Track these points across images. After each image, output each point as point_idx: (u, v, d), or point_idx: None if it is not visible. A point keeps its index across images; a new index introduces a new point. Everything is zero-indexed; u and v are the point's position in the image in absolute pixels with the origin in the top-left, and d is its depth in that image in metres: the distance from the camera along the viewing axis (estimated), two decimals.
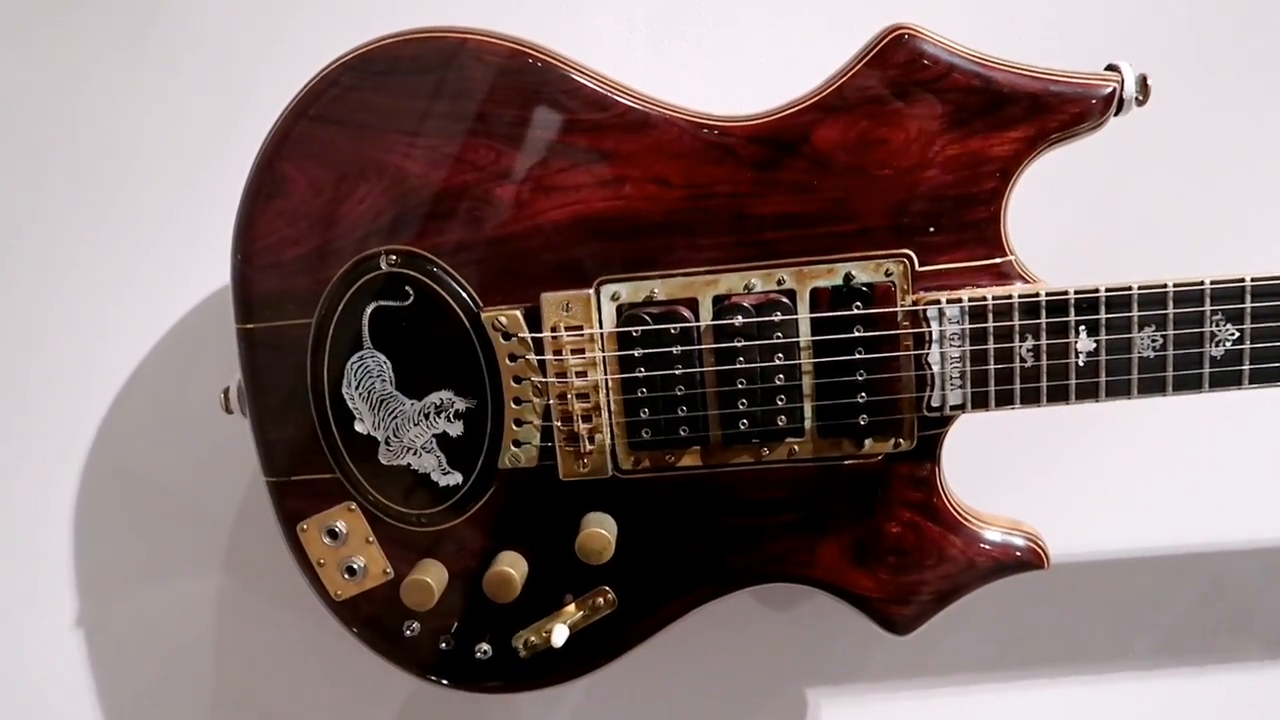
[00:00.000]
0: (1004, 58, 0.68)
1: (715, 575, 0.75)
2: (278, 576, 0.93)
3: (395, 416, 0.74)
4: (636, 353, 0.70)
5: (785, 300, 0.69)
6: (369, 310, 0.72)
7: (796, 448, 0.72)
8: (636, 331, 0.70)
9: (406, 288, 0.72)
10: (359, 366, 0.73)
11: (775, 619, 0.92)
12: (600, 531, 0.72)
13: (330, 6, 0.86)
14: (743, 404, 0.70)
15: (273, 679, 0.96)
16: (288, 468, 0.76)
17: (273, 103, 0.72)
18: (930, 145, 0.68)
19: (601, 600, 0.75)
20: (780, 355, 0.70)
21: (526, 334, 0.71)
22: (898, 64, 0.67)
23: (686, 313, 0.70)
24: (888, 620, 0.75)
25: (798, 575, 0.74)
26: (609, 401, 0.71)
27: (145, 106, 0.89)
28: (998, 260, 0.69)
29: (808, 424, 0.71)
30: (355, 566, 0.76)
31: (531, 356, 0.71)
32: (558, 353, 0.71)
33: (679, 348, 0.70)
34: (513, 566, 0.74)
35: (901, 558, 0.73)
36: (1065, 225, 0.85)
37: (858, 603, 0.75)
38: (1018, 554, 0.73)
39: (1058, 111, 0.67)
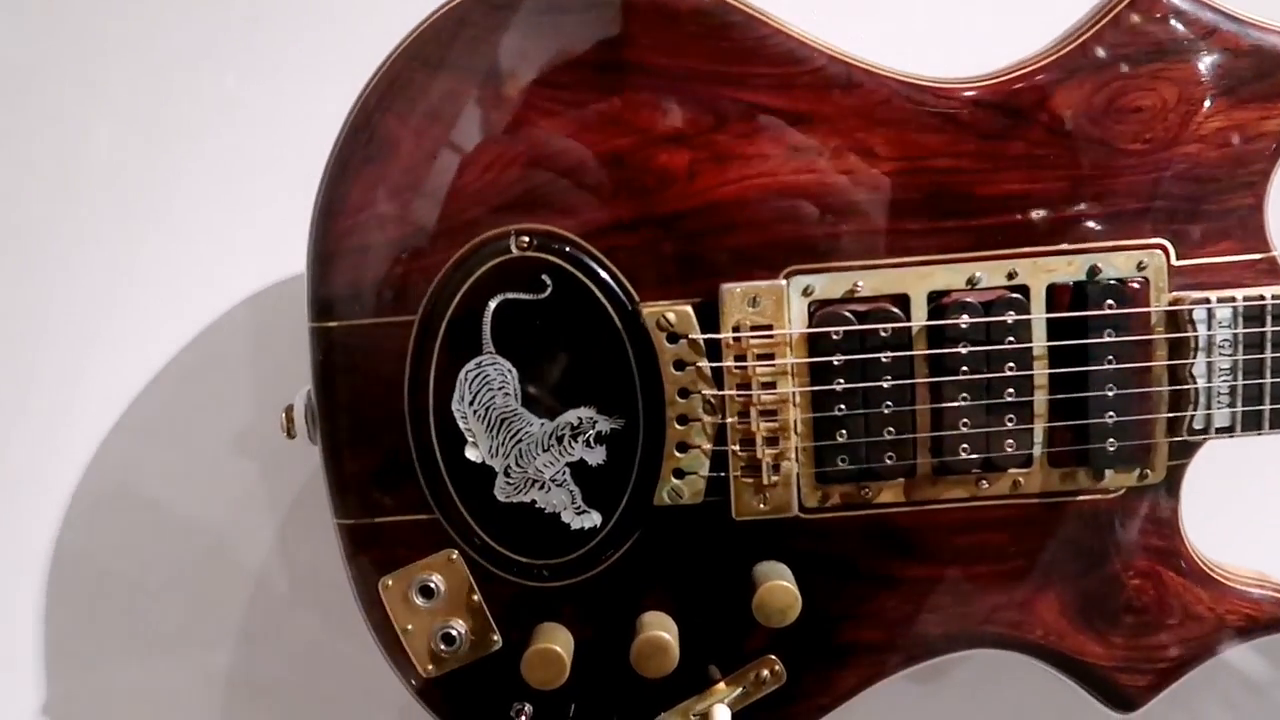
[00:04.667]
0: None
1: (907, 641, 0.61)
2: (312, 646, 0.76)
3: (519, 440, 0.58)
4: (836, 360, 0.57)
5: (1019, 298, 0.57)
6: (493, 305, 0.57)
7: (1022, 480, 0.59)
8: (837, 333, 0.56)
9: (543, 277, 0.57)
10: (475, 376, 0.58)
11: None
12: (786, 585, 0.57)
13: None
14: (964, 425, 0.57)
15: None
16: (369, 507, 0.59)
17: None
18: (1191, 116, 0.57)
19: (768, 672, 0.61)
20: (1012, 365, 0.57)
21: (699, 335, 0.57)
22: (1154, 18, 0.57)
23: (897, 312, 0.57)
24: (1118, 693, 0.61)
25: (1008, 639, 0.61)
26: (796, 421, 0.57)
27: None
28: (1261, 255, 0.58)
29: (1037, 450, 0.58)
30: (454, 633, 0.60)
31: (704, 364, 0.57)
32: (739, 358, 0.57)
33: (889, 354, 0.57)
34: (666, 630, 0.58)
35: (1139, 616, 0.60)
36: None
37: (1079, 672, 0.61)
38: (1272, 612, 0.61)
39: None
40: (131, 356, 0.75)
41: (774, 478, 0.57)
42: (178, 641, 0.77)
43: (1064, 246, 0.57)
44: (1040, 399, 0.57)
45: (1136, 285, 0.57)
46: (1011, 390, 0.57)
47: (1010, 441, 0.57)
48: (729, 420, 0.57)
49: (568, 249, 0.57)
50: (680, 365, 0.57)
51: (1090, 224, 0.57)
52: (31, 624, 0.76)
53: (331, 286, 0.58)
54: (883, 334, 0.56)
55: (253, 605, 0.77)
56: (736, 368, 0.57)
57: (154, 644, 0.77)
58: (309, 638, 0.76)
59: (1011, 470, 0.58)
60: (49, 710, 0.77)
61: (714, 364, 0.57)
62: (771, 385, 0.57)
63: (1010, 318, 0.56)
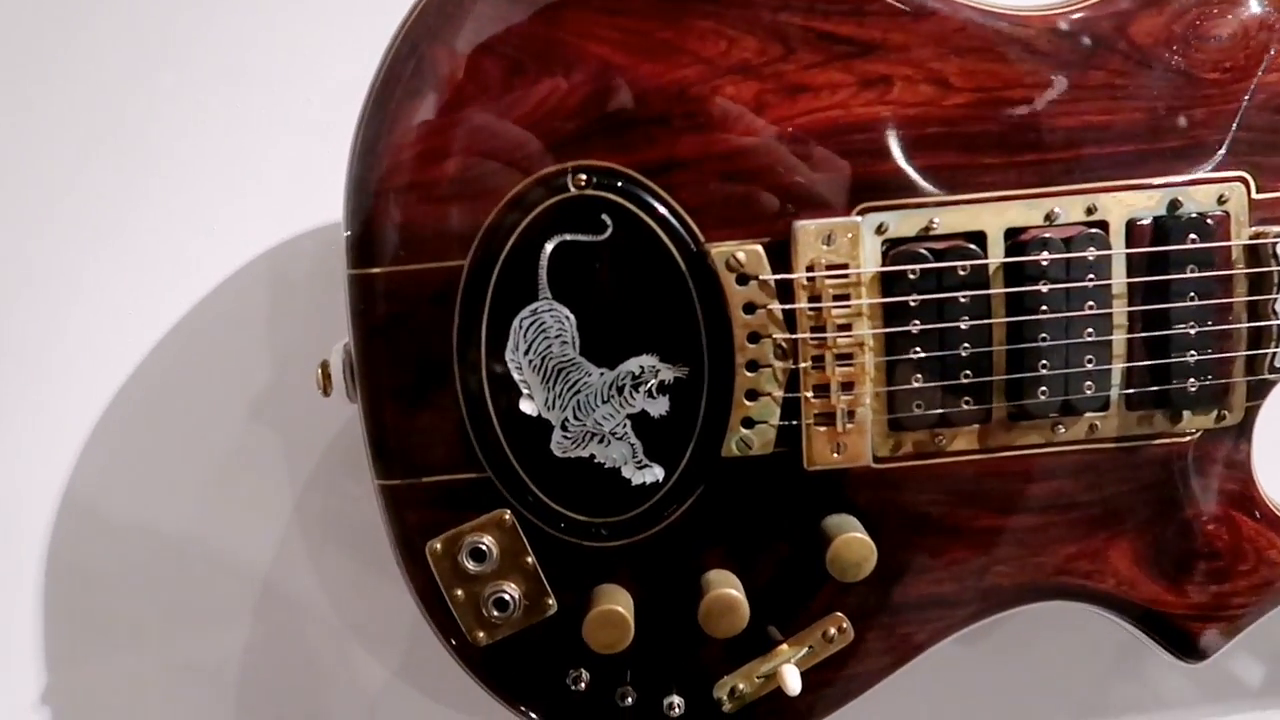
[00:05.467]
0: None
1: (977, 594, 0.59)
2: (329, 623, 0.72)
3: (577, 391, 0.55)
4: (912, 300, 0.54)
5: (1099, 233, 0.55)
6: (549, 247, 0.54)
7: (1098, 424, 0.57)
8: (914, 272, 0.54)
9: (603, 216, 0.54)
10: (531, 324, 0.54)
11: None
12: (862, 538, 0.55)
13: None
14: (1044, 366, 0.55)
15: None
16: (414, 466, 0.56)
17: None
18: (1270, 44, 0.55)
19: (834, 630, 0.58)
20: (1091, 304, 0.55)
21: (771, 276, 0.54)
22: None
23: (975, 249, 0.54)
24: (1189, 642, 0.60)
25: (1079, 590, 0.59)
26: (871, 365, 0.55)
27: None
28: None
29: (1114, 393, 0.56)
30: (508, 598, 0.56)
31: (776, 306, 0.54)
32: (814, 299, 0.54)
33: (967, 294, 0.54)
34: (734, 588, 0.56)
35: (1212, 562, 0.59)
36: None
37: (1150, 622, 0.60)
38: None
39: None
40: (132, 322, 0.70)
41: (849, 425, 0.55)
42: (177, 630, 0.73)
43: (1143, 180, 0.55)
44: (1119, 339, 0.55)
45: (1218, 219, 0.55)
46: (1090, 330, 0.55)
47: (1089, 383, 0.55)
48: (802, 365, 0.54)
49: (629, 186, 0.53)
50: (750, 308, 0.54)
51: (1170, 156, 0.55)
52: (30, 617, 0.71)
53: (373, 230, 0.54)
54: (960, 272, 0.54)
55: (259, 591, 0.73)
56: (811, 310, 0.54)
57: (153, 634, 0.72)
58: (312, 626, 0.73)
59: (1088, 414, 0.56)
60: (47, 700, 0.72)
61: (788, 306, 0.54)
62: (847, 328, 0.54)
63: (1091, 254, 0.54)
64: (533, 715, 0.59)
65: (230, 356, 0.69)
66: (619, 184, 0.53)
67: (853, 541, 0.54)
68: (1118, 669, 0.75)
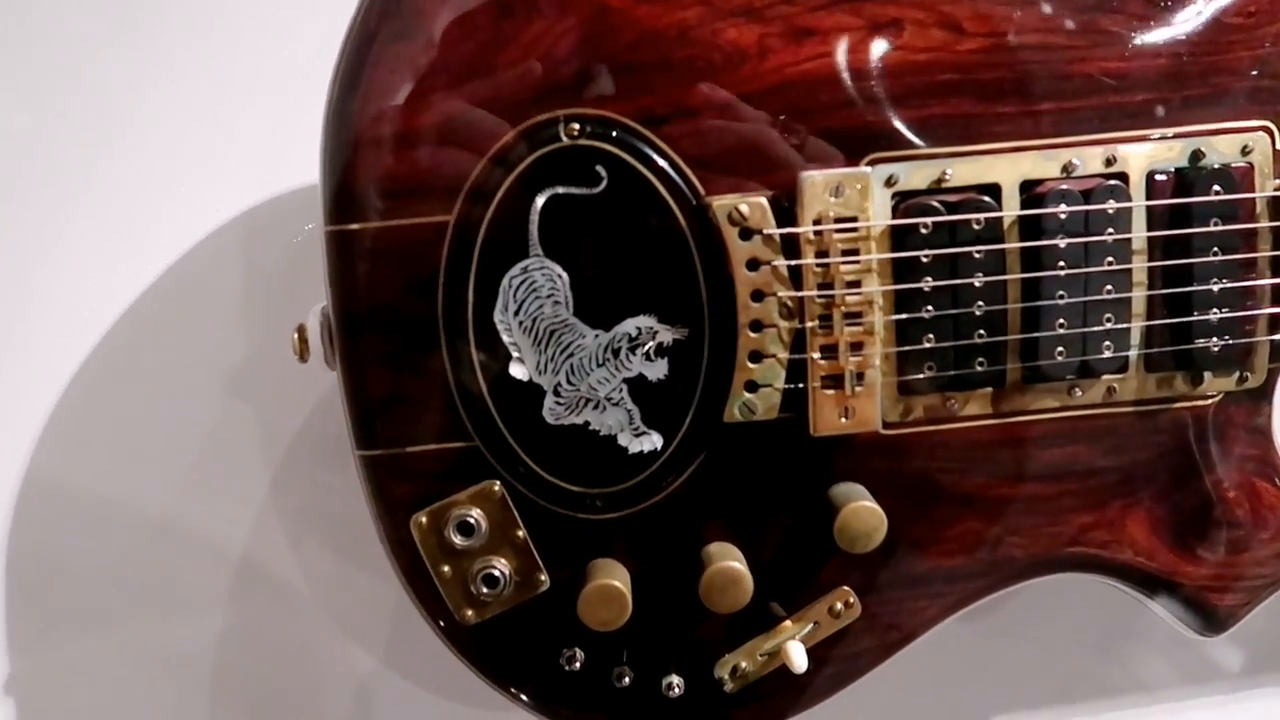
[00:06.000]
0: None
1: (989, 566, 0.56)
2: (313, 608, 0.69)
3: (570, 354, 0.52)
4: (924, 256, 0.51)
5: (1119, 184, 0.52)
6: (540, 201, 0.51)
7: (1116, 386, 0.54)
8: (926, 226, 0.51)
9: (597, 168, 0.51)
10: (521, 283, 0.51)
11: None
12: (872, 506, 0.52)
13: None
14: (1061, 325, 0.52)
15: None
16: (397, 435, 0.53)
17: None
18: None
19: (841, 605, 0.55)
20: (1111, 259, 0.52)
21: (776, 230, 0.51)
22: None
23: (990, 201, 0.52)
24: (1208, 614, 0.58)
25: (1095, 560, 0.57)
26: (881, 324, 0.52)
27: None
28: None
29: (1133, 353, 0.54)
30: (497, 574, 0.53)
31: (781, 262, 0.51)
32: (821, 254, 0.51)
33: (982, 249, 0.51)
34: (737, 561, 0.53)
35: (1232, 531, 0.56)
36: None
37: (1167, 594, 0.57)
38: None
39: None
40: (96, 291, 0.66)
41: (857, 388, 0.52)
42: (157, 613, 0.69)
43: (1165, 130, 0.53)
44: (1139, 296, 0.53)
45: (1242, 171, 0.52)
46: (1109, 287, 0.52)
47: (1108, 343, 0.53)
48: (809, 325, 0.51)
49: (625, 136, 0.50)
50: (754, 265, 0.51)
51: (1192, 105, 0.53)
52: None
53: (353, 183, 0.50)
54: (975, 226, 0.51)
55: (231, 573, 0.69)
56: (818, 265, 0.51)
57: (122, 621, 0.69)
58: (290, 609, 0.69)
59: (1106, 376, 0.54)
60: (9, 690, 0.69)
61: (793, 262, 0.51)
62: (855, 285, 0.51)
63: (1111, 207, 0.52)
64: (523, 697, 0.56)
65: (201, 326, 0.66)
66: (614, 134, 0.50)
67: (862, 510, 0.52)
68: (1101, 654, 0.73)
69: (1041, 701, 0.73)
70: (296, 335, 0.54)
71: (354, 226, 0.51)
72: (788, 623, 0.55)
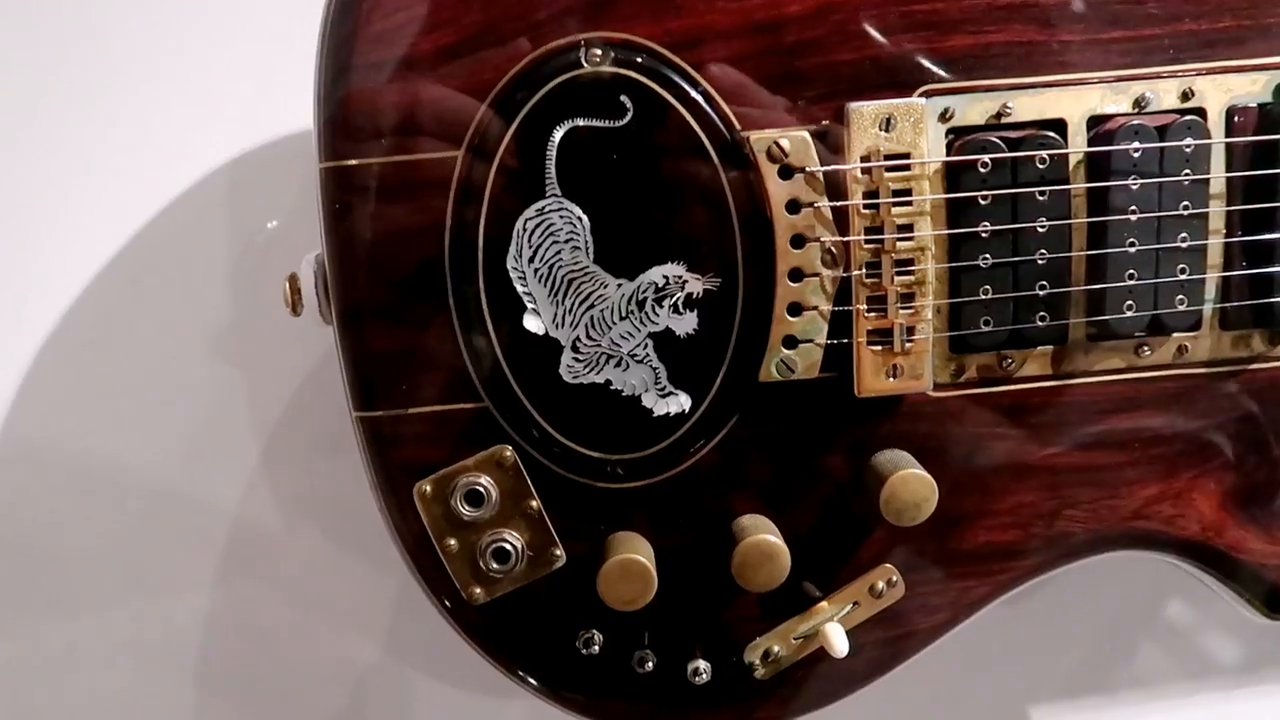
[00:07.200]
0: None
1: (1045, 542, 0.51)
2: (305, 585, 0.64)
3: (590, 305, 0.47)
4: (982, 197, 0.46)
5: (1197, 120, 0.47)
6: (559, 134, 0.46)
7: (1188, 345, 0.50)
8: (985, 164, 0.46)
9: (622, 98, 0.46)
10: (537, 226, 0.46)
11: None
12: (921, 474, 0.47)
13: None
14: (1131, 276, 0.48)
15: None
16: (399, 395, 0.48)
17: None
18: None
19: (883, 584, 0.51)
20: (1187, 204, 0.47)
21: (820, 168, 0.46)
22: None
23: (1056, 138, 0.47)
24: (1276, 593, 0.53)
25: (1159, 537, 0.52)
26: (933, 274, 0.47)
27: None
28: None
29: (1208, 309, 0.49)
30: (509, 548, 0.49)
31: (825, 204, 0.46)
32: (869, 195, 0.46)
33: (1045, 190, 0.47)
34: (772, 534, 0.48)
35: None
36: None
37: (1233, 571, 0.53)
38: None
39: None
40: (78, 244, 0.61)
41: (907, 345, 0.47)
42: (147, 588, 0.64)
43: (1246, 61, 0.48)
44: (1215, 244, 0.48)
45: None
46: (1184, 235, 0.48)
47: (1181, 297, 0.48)
48: (855, 274, 0.47)
49: (653, 63, 0.45)
50: (794, 207, 0.46)
51: (1269, 34, 0.48)
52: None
53: (350, 114, 0.45)
54: (1038, 165, 0.46)
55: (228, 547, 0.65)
56: (866, 207, 0.46)
57: (102, 603, 0.64)
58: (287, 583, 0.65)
59: (1177, 334, 0.49)
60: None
61: (839, 203, 0.46)
62: (907, 229, 0.46)
63: (1188, 145, 0.47)
64: (533, 682, 0.51)
65: (188, 281, 0.61)
66: (640, 60, 0.45)
67: (911, 479, 0.47)
68: (1100, 650, 0.68)
69: (1044, 696, 0.69)
70: (288, 285, 0.50)
71: (351, 163, 0.46)
72: (825, 603, 0.51)
